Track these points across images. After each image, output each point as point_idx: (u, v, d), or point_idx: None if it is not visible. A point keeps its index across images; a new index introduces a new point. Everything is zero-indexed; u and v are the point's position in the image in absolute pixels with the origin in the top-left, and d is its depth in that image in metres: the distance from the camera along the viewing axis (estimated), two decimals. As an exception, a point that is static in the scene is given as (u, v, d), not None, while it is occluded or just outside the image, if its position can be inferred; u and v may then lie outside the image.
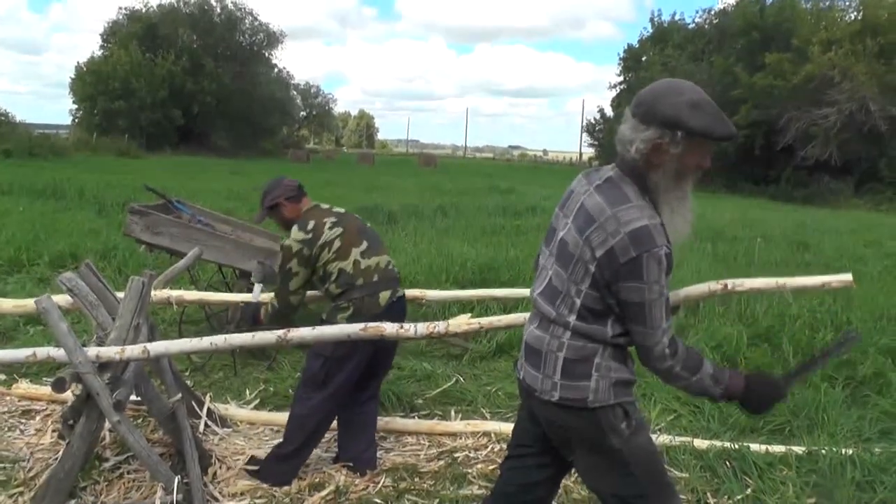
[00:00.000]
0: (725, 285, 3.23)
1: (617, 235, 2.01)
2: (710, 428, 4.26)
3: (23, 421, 4.02)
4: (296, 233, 3.53)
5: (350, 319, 3.40)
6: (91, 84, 41.00)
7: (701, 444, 3.89)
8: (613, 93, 49.30)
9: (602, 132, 50.40)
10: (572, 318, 2.12)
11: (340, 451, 3.74)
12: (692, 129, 2.00)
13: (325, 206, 3.72)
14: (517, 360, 2.37)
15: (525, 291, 4.74)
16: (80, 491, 3.20)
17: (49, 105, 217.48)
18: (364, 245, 3.58)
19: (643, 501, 2.21)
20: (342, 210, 3.73)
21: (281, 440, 3.60)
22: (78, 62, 43.89)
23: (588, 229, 2.07)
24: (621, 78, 48.59)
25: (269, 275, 4.00)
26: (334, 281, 3.50)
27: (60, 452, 3.45)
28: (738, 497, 3.41)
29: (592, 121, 53.04)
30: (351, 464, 3.64)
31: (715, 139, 2.03)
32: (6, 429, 3.91)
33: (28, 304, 3.88)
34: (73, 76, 43.37)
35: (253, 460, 3.60)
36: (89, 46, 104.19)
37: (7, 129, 28.91)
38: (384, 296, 3.54)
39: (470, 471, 3.62)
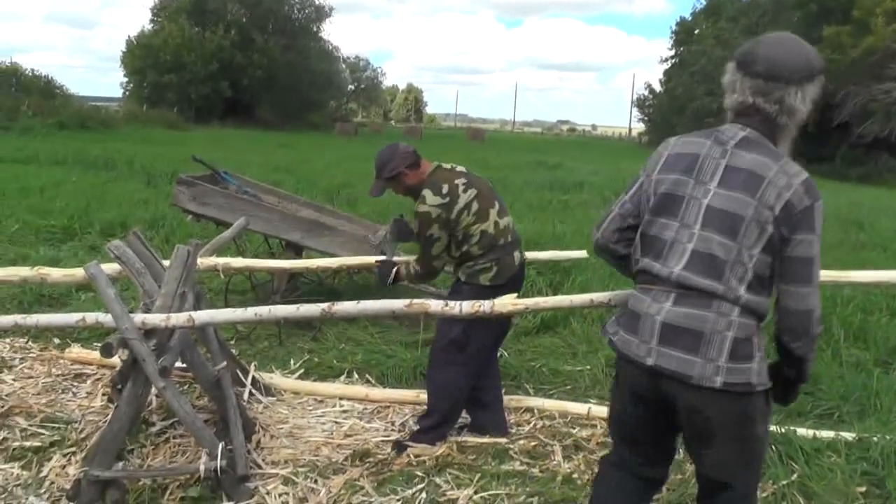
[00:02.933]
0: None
1: (790, 188, 1.96)
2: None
3: (75, 384, 4.13)
4: (431, 197, 3.42)
5: (493, 279, 3.44)
6: (141, 58, 41.60)
7: (746, 426, 3.80)
8: (664, 67, 48.45)
9: (652, 107, 49.62)
10: (742, 290, 1.99)
11: (472, 419, 3.76)
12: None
13: (446, 165, 3.62)
14: (635, 344, 2.10)
15: (569, 254, 4.76)
16: (127, 453, 3.27)
17: (100, 78, 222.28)
18: (497, 206, 3.55)
19: (753, 492, 2.15)
20: (464, 168, 3.65)
21: (424, 412, 3.64)
22: (129, 36, 44.43)
23: (759, 188, 1.97)
24: (672, 52, 47.74)
25: (404, 231, 3.92)
26: (476, 243, 3.45)
27: (109, 415, 3.54)
28: (784, 482, 3.31)
29: (642, 96, 52.25)
30: (481, 431, 3.69)
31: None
32: (59, 391, 4.02)
33: (76, 272, 3.96)
34: (123, 50, 44.02)
35: (398, 445, 3.57)
36: (139, 21, 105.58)
37: (61, 102, 29.50)
38: (517, 256, 3.57)
39: (512, 447, 3.59)
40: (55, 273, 3.94)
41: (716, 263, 1.99)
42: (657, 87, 49.17)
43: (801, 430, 3.76)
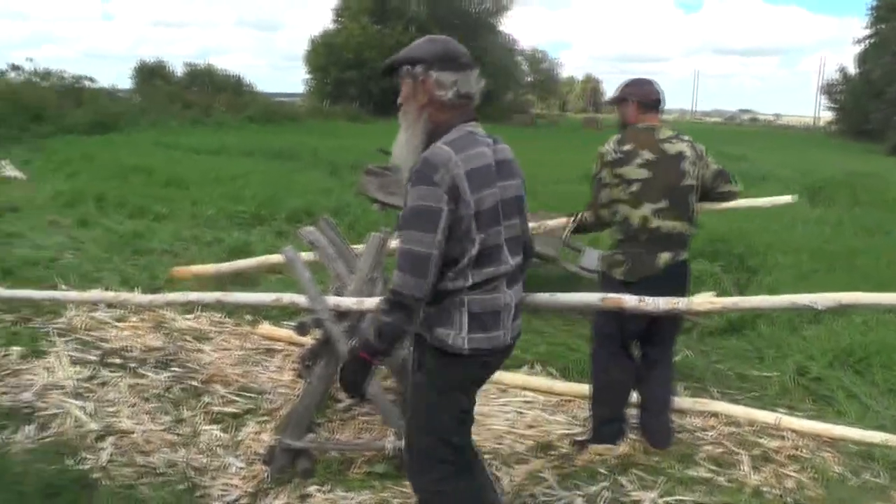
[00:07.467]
0: None
1: None
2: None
3: (266, 358, 4.40)
4: (611, 144, 3.29)
5: (625, 275, 3.25)
6: (324, 55, 43.61)
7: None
8: (859, 48, 43.81)
9: (843, 93, 45.54)
10: None
11: (639, 420, 3.62)
12: None
13: (664, 134, 3.31)
14: (502, 335, 2.27)
15: (775, 199, 3.81)
16: (316, 427, 3.41)
17: (282, 76, 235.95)
18: (663, 203, 3.22)
19: None
20: (675, 152, 3.28)
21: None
22: (312, 36, 46.72)
23: (518, 169, 2.31)
24: (870, 31, 43.02)
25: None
26: (618, 223, 3.30)
27: (298, 389, 3.72)
28: None
29: (831, 81, 48.15)
30: (646, 436, 3.52)
31: None
32: (251, 363, 4.29)
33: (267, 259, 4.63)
34: (307, 49, 46.28)
35: (579, 444, 3.48)
36: (322, 21, 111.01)
37: (249, 98, 31.66)
38: (664, 257, 3.25)
39: (697, 452, 3.43)
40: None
41: (520, 241, 2.32)
42: (851, 71, 45.01)
43: None
